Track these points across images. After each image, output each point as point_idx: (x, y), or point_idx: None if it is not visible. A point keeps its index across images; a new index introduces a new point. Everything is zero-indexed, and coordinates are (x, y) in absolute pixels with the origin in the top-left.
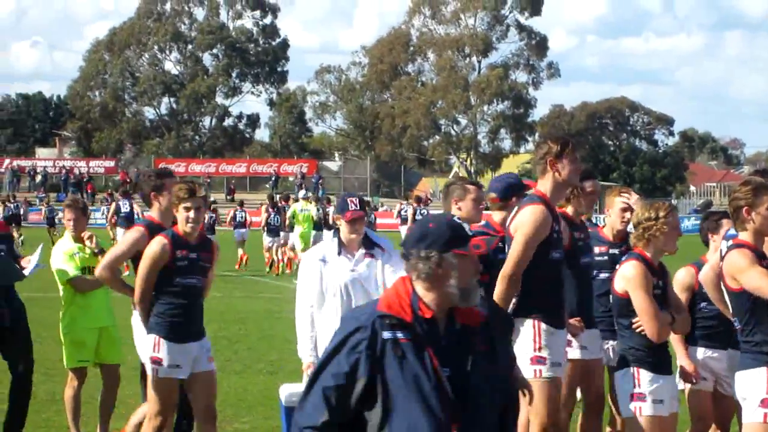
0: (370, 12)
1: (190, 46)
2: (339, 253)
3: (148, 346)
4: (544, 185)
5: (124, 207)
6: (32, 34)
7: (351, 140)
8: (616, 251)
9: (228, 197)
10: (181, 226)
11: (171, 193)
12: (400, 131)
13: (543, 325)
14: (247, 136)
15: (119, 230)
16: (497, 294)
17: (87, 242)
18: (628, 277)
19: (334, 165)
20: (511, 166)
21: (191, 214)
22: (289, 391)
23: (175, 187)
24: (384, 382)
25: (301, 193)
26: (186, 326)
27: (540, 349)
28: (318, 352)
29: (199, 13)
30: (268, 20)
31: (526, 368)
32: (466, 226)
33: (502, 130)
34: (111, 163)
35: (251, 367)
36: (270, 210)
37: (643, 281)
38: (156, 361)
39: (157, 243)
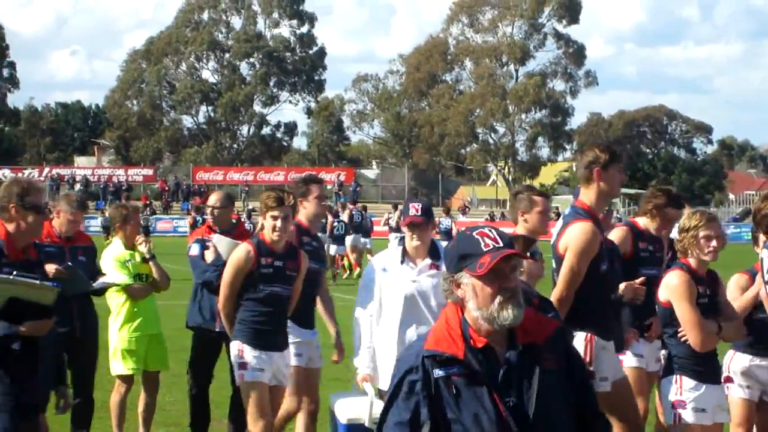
0: (408, 20)
1: (227, 55)
2: (402, 262)
3: (233, 352)
4: (588, 196)
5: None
6: (71, 43)
7: (388, 148)
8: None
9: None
10: (267, 234)
11: (317, 198)
12: (437, 139)
13: (596, 339)
14: (285, 144)
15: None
16: None
17: (140, 247)
18: (671, 287)
19: (371, 173)
20: (548, 174)
21: (278, 223)
22: (344, 405)
23: (263, 195)
24: (446, 424)
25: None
26: (268, 334)
27: (590, 363)
28: (375, 364)
29: (237, 21)
30: (305, 29)
31: None
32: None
33: (540, 138)
34: (149, 172)
35: None
36: (332, 217)
37: (685, 291)
38: (242, 366)
39: (243, 250)
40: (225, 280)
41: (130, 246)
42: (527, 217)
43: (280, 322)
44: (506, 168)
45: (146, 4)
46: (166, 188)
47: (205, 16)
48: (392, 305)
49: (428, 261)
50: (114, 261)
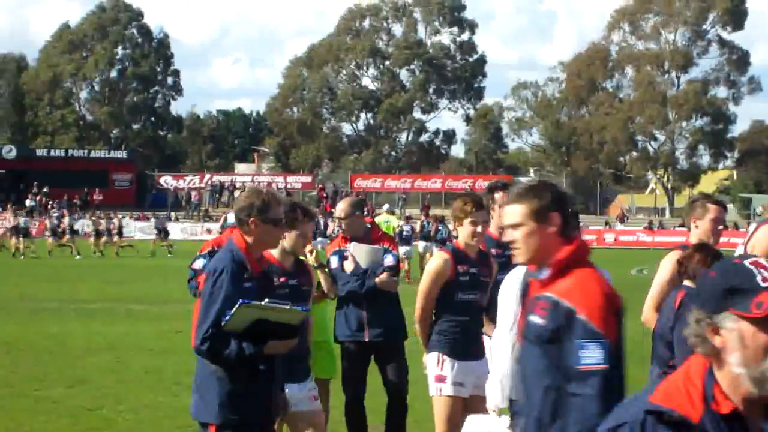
0: (570, 28)
1: (387, 62)
2: None
3: (431, 364)
4: None
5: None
6: (234, 51)
7: (547, 156)
8: None
9: (423, 213)
10: (466, 239)
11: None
12: (596, 147)
13: None
14: (443, 152)
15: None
16: None
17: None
18: None
19: (531, 180)
20: (709, 182)
21: (478, 228)
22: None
23: (460, 201)
24: None
25: (386, 206)
26: (467, 344)
27: None
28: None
29: (397, 29)
30: (465, 36)
31: None
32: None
33: (701, 146)
34: (308, 179)
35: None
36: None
37: None
38: (440, 379)
39: (440, 257)
40: (422, 290)
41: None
42: (699, 223)
43: (477, 330)
44: (665, 176)
45: (308, 11)
46: (325, 195)
47: (366, 23)
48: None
49: None
50: None
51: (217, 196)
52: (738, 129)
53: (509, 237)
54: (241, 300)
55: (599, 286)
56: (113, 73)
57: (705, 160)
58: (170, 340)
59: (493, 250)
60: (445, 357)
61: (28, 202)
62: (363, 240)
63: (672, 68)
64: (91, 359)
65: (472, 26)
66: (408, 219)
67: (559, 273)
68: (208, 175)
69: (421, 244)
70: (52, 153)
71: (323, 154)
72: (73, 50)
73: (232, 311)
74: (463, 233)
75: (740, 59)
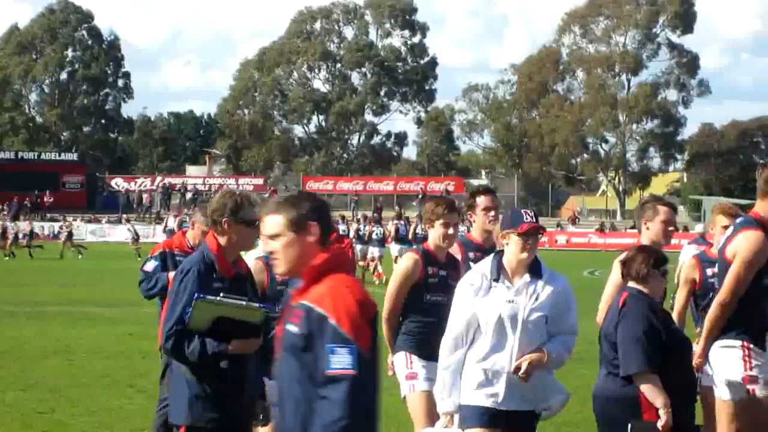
0: (521, 30)
1: (338, 65)
2: (497, 279)
3: (399, 364)
4: (764, 208)
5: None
6: (185, 53)
7: (498, 158)
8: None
9: (374, 215)
10: (436, 241)
11: (483, 210)
12: (548, 149)
13: (752, 346)
14: (395, 154)
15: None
16: (710, 319)
17: None
18: None
19: (481, 183)
20: (660, 184)
21: (450, 230)
22: None
23: (431, 203)
24: None
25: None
26: (435, 344)
27: (752, 368)
28: (458, 398)
29: (349, 31)
30: (416, 39)
31: (737, 388)
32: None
33: (651, 149)
34: (260, 181)
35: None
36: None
37: None
38: (411, 377)
39: (410, 258)
40: (390, 291)
41: None
42: (650, 225)
43: (441, 332)
44: (617, 178)
45: (260, 14)
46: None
47: (318, 26)
48: (482, 329)
49: (528, 278)
50: None
51: (168, 198)
52: (688, 132)
53: (269, 247)
54: (196, 294)
55: (352, 293)
56: (63, 75)
57: (656, 162)
58: (124, 343)
59: (471, 254)
60: (413, 356)
61: None
62: None
63: (622, 71)
64: (45, 362)
65: (423, 29)
66: (407, 219)
67: (312, 280)
68: (159, 178)
69: (395, 247)
70: (2, 155)
71: (275, 157)
72: (23, 52)
73: (192, 306)
74: (434, 235)
75: (690, 62)
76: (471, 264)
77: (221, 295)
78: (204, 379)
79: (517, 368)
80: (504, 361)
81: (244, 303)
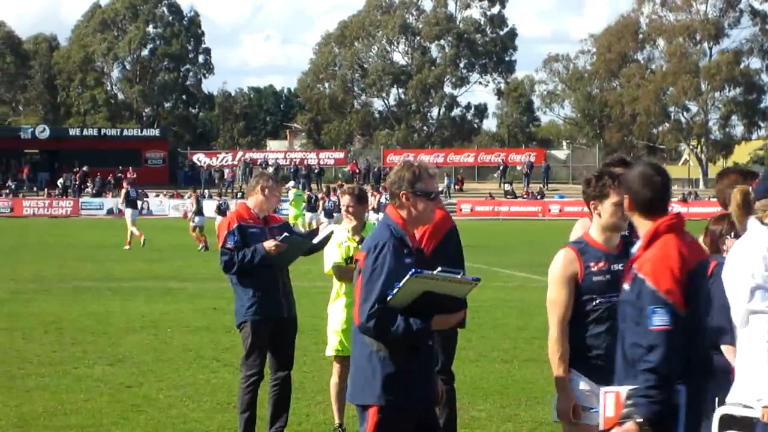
0: (600, 1)
1: (418, 38)
2: None
3: None
4: None
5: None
6: (265, 28)
7: (579, 129)
8: None
9: (456, 187)
10: (603, 226)
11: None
12: (629, 119)
13: None
14: (475, 126)
15: None
16: None
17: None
18: None
19: (561, 154)
20: (742, 153)
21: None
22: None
23: (591, 178)
24: None
25: (291, 183)
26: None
27: None
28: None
29: (427, 4)
30: (495, 10)
31: None
32: None
33: (734, 117)
34: (341, 155)
35: (486, 356)
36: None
37: None
38: None
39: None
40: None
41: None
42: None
43: None
44: (699, 147)
45: None
46: (357, 171)
47: None
48: None
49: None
50: (332, 243)
51: (249, 173)
52: None
53: None
54: (413, 270)
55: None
56: (144, 52)
57: (738, 130)
58: (208, 318)
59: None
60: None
61: (60, 181)
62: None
63: (704, 39)
64: (130, 337)
65: (502, 0)
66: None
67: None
68: (240, 153)
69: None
70: (85, 132)
71: (355, 130)
72: (105, 30)
73: (401, 283)
74: (601, 217)
75: None
76: None
77: (438, 269)
78: (398, 357)
79: None
80: None
81: (458, 277)
